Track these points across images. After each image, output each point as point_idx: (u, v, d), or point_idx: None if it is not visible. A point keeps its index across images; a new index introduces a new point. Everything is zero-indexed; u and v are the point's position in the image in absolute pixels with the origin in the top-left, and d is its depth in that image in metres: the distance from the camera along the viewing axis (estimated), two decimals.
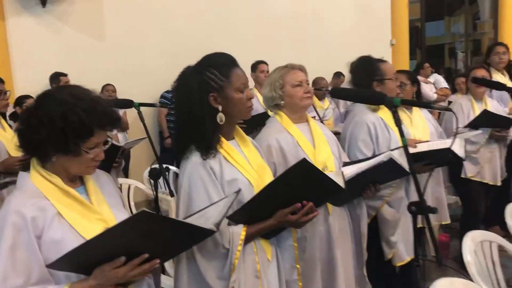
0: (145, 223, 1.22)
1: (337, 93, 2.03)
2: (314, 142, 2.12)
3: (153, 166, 2.80)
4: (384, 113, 2.48)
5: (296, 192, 1.59)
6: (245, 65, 5.02)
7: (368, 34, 8.30)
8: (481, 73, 3.56)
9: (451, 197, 4.13)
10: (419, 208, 1.69)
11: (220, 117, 1.62)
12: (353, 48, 7.63)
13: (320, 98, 5.72)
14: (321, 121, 3.87)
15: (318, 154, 2.06)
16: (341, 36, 7.85)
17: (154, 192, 2.72)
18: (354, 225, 2.25)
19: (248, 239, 1.60)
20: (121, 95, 5.42)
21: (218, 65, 1.64)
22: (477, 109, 3.52)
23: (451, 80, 6.49)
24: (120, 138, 5.22)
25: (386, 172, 2.12)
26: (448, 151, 2.27)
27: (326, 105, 5.60)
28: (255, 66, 5.02)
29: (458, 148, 2.38)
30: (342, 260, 2.10)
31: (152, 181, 2.75)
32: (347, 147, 2.47)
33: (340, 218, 2.14)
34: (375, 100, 1.80)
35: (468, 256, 2.21)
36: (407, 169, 2.00)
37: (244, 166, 1.65)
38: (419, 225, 2.92)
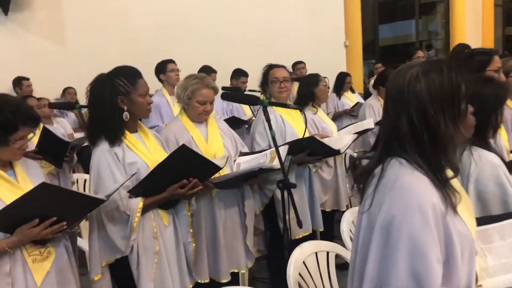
0: (46, 193, 1.68)
1: (225, 96, 2.50)
2: (208, 137, 2.60)
3: None
4: (282, 111, 2.98)
5: (182, 171, 2.07)
6: (198, 65, 5.34)
7: (322, 36, 8.64)
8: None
9: None
10: (284, 185, 2.20)
11: (126, 115, 2.09)
12: (307, 50, 8.16)
13: None
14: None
15: (210, 147, 2.56)
16: (294, 38, 8.17)
17: None
18: (242, 206, 2.70)
19: (146, 208, 2.07)
20: (83, 97, 5.81)
21: (127, 75, 2.11)
22: None
23: None
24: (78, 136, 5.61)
25: (260, 171, 2.53)
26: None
27: None
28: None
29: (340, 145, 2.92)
30: (225, 234, 2.59)
31: None
32: (250, 139, 2.95)
33: (227, 199, 2.61)
34: (251, 102, 2.29)
35: (344, 224, 2.72)
36: (277, 167, 2.45)
37: (144, 152, 2.13)
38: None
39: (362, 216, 1.29)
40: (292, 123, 2.98)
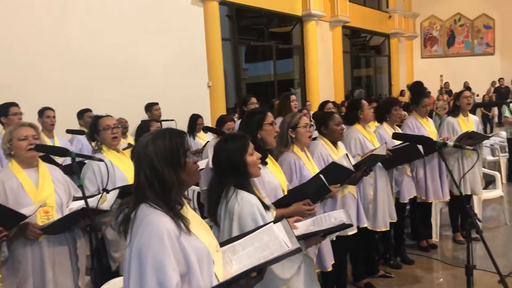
0: None
1: (38, 149, 2.67)
2: (38, 183, 2.67)
3: None
4: (112, 156, 3.20)
5: None
6: (57, 106, 5.19)
7: (187, 76, 9.02)
8: None
9: None
10: (91, 228, 2.40)
11: None
12: (173, 88, 8.42)
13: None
14: None
15: (40, 193, 2.63)
16: (159, 78, 8.38)
17: None
18: (73, 248, 2.79)
19: None
20: None
21: None
22: None
23: None
24: None
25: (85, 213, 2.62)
26: None
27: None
28: (41, 112, 5.15)
29: None
30: (55, 277, 2.66)
31: None
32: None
33: (56, 244, 2.68)
34: (60, 154, 2.54)
35: None
36: (105, 208, 2.69)
37: None
38: None
39: (126, 250, 1.62)
40: (121, 168, 3.18)
